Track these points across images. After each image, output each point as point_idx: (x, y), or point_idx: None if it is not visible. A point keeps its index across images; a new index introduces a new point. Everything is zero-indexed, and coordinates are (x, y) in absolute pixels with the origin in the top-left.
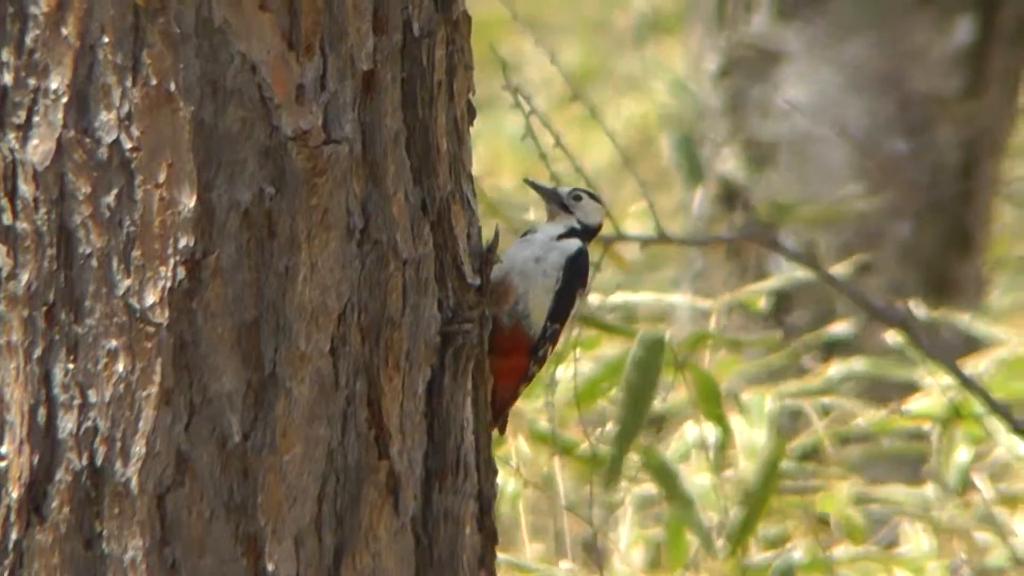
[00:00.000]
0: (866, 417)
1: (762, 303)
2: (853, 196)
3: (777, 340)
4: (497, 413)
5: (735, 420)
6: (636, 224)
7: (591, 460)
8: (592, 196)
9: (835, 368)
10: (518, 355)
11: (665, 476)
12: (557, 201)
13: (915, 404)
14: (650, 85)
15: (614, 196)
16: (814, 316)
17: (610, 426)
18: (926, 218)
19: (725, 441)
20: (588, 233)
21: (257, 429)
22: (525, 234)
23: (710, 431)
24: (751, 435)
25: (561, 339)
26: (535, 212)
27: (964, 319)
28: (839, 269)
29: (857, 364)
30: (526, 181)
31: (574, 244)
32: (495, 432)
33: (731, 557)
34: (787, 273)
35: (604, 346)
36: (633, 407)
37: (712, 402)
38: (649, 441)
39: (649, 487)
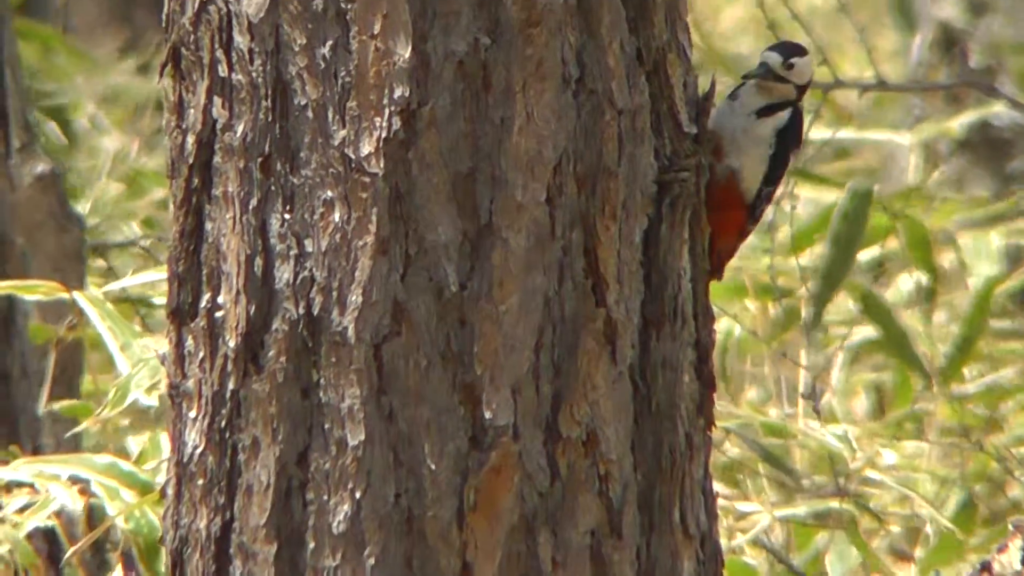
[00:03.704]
0: None
1: (956, 131)
2: None
3: (984, 199)
4: (716, 267)
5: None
6: (854, 69)
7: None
8: (800, 51)
9: None
10: (735, 211)
11: (880, 314)
12: (773, 78)
13: None
14: None
15: (830, 39)
16: None
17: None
18: None
19: (935, 287)
20: (802, 91)
21: (474, 279)
22: (734, 94)
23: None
24: (979, 274)
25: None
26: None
27: None
28: None
29: None
30: (743, 78)
31: (783, 116)
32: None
33: (947, 384)
34: (996, 110)
35: (822, 191)
36: (839, 256)
37: (922, 249)
38: (865, 286)
39: (862, 336)
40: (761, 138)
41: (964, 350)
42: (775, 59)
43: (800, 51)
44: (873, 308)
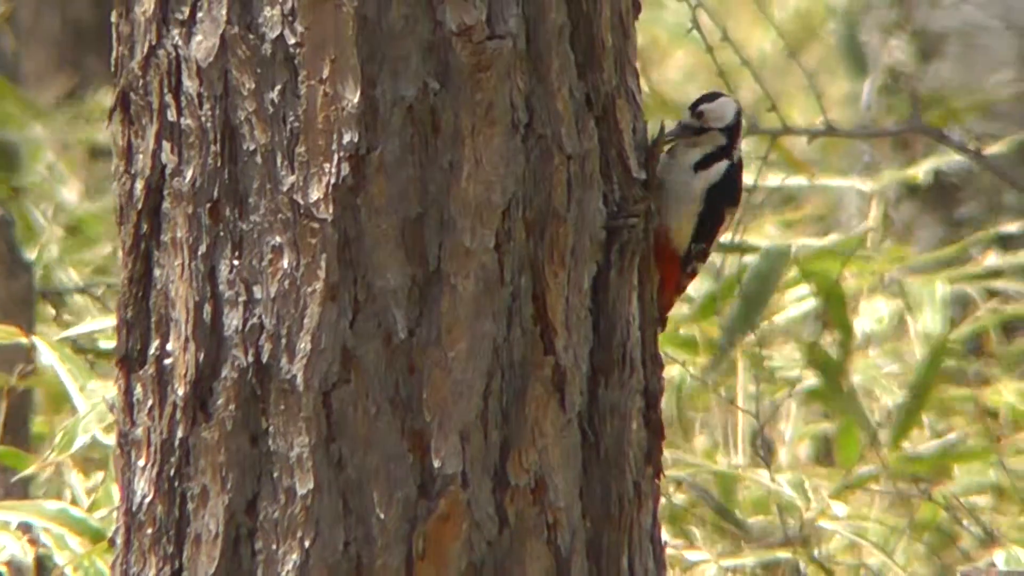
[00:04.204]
0: None
1: (920, 177)
2: (1013, 81)
3: (902, 255)
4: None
5: (903, 310)
6: (803, 118)
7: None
8: (709, 98)
9: (997, 257)
10: (668, 264)
11: (828, 369)
12: (691, 132)
13: None
14: None
15: (780, 86)
16: (983, 208)
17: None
18: None
19: (848, 345)
20: (733, 134)
21: (422, 325)
22: (671, 151)
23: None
24: (923, 321)
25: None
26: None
27: None
28: (996, 149)
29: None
30: (652, 144)
31: (719, 169)
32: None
33: (895, 447)
34: (946, 156)
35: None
36: (745, 311)
37: (837, 308)
38: (813, 337)
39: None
40: (693, 196)
41: (912, 413)
42: (686, 115)
43: (710, 97)
44: (820, 361)
